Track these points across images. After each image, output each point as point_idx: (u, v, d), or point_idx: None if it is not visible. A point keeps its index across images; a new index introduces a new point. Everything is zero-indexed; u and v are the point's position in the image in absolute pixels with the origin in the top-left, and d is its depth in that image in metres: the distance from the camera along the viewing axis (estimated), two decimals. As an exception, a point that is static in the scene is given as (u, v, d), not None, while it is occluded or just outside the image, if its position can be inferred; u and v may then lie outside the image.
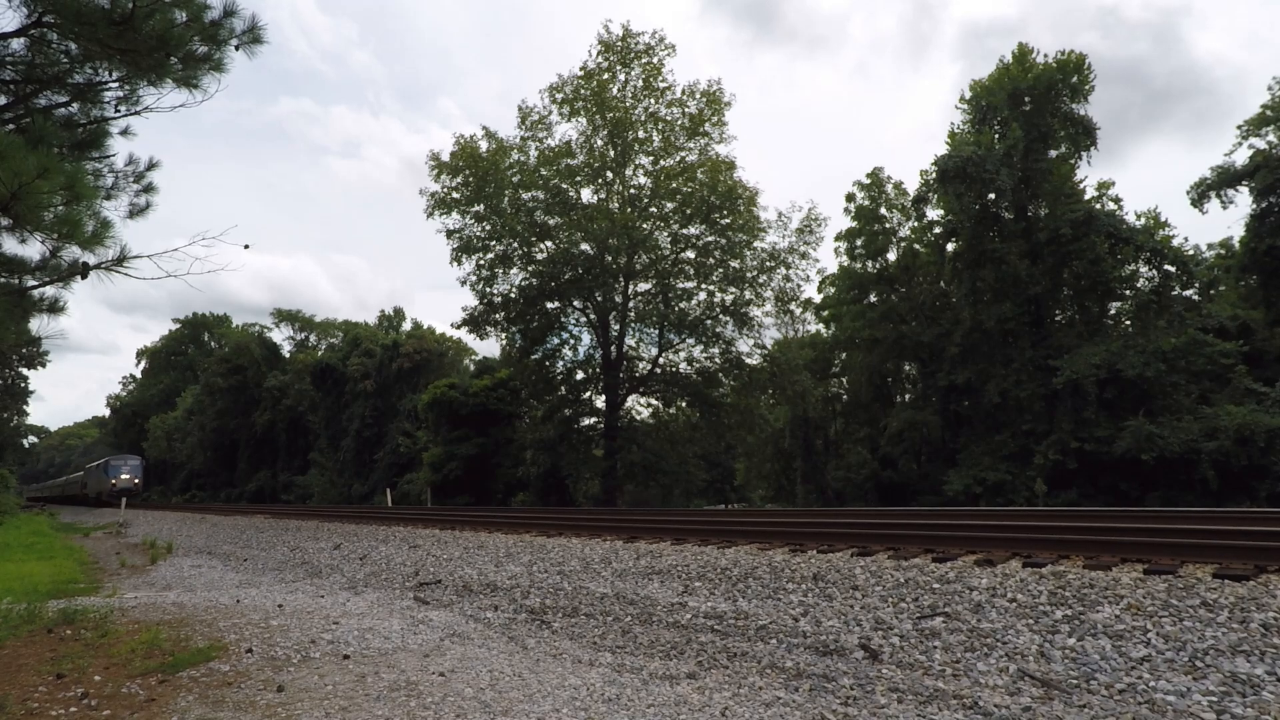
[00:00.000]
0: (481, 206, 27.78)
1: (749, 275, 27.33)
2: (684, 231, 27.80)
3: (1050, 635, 4.19)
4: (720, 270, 27.54)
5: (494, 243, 28.12)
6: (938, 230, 30.02)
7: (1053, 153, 26.52)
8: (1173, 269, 24.08)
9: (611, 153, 27.52)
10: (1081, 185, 26.88)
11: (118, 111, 6.91)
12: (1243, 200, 25.82)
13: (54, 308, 6.49)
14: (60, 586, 9.16)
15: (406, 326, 58.56)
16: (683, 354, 29.24)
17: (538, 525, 11.23)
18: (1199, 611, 4.12)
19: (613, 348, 28.29)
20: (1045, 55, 26.56)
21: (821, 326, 37.10)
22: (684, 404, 29.79)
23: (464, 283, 28.63)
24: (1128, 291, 26.03)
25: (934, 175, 27.20)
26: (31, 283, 6.30)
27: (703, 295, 28.10)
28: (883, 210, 33.46)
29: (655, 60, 27.18)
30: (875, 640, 4.56)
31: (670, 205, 27.60)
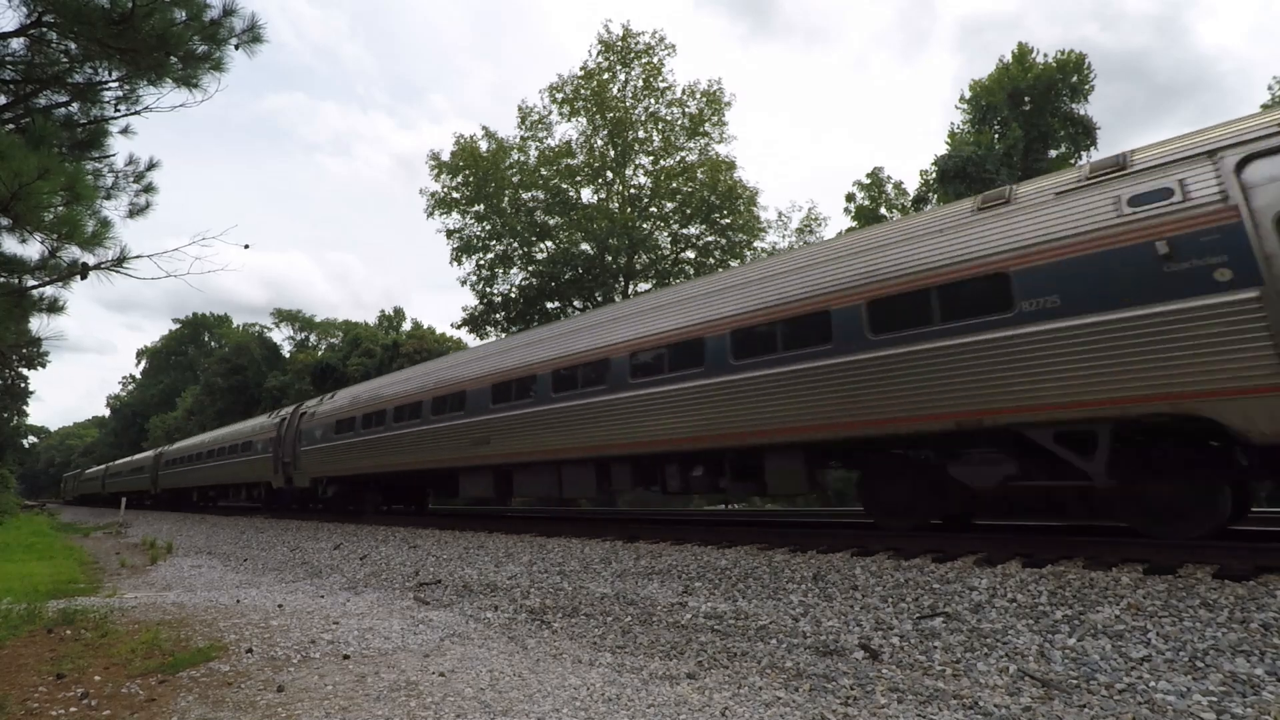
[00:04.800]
0: (482, 206, 27.83)
1: (749, 275, 27.38)
2: (684, 231, 27.82)
3: (1050, 635, 4.19)
4: (721, 270, 27.58)
5: (494, 243, 28.16)
6: (938, 230, 30.01)
7: (1053, 152, 26.55)
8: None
9: (611, 153, 27.55)
10: (1081, 185, 26.89)
11: (118, 111, 6.91)
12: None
13: (53, 308, 6.48)
14: (60, 586, 9.15)
15: (406, 326, 58.60)
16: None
17: (538, 525, 11.23)
18: (1199, 611, 4.12)
19: (613, 347, 28.29)
20: (1045, 55, 26.64)
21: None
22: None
23: (464, 283, 28.70)
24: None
25: (934, 175, 27.23)
26: (31, 283, 6.30)
27: (703, 295, 28.15)
28: (883, 210, 33.48)
29: (655, 60, 27.24)
30: (875, 640, 4.56)
31: (670, 205, 27.63)
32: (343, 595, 7.80)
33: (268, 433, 20.62)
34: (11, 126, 6.17)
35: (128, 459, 44.59)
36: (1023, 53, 27.06)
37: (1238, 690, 3.33)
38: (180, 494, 32.52)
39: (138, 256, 5.49)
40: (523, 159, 28.09)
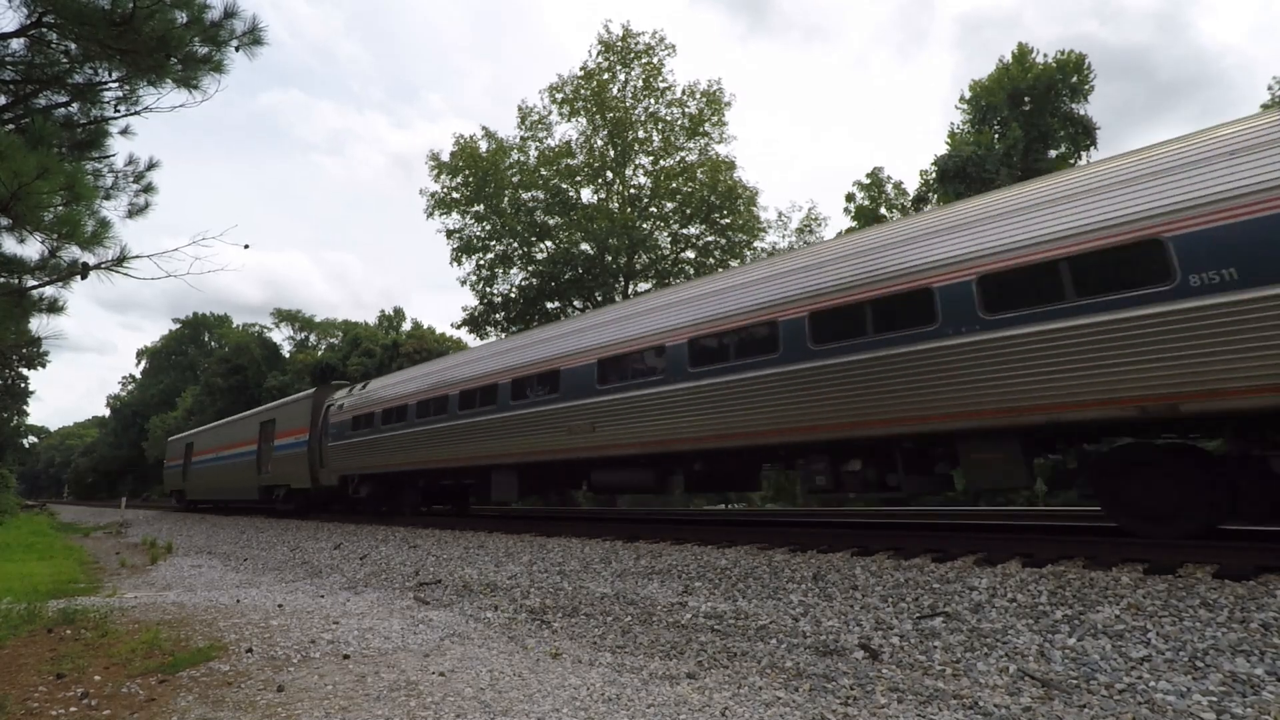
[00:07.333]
0: (482, 206, 27.82)
1: (749, 275, 27.39)
2: (684, 231, 27.81)
3: (1050, 635, 4.19)
4: (721, 270, 27.58)
5: (494, 243, 28.15)
6: (938, 230, 30.01)
7: (1053, 153, 26.55)
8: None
9: (611, 153, 27.53)
10: (1081, 185, 26.92)
11: (118, 111, 6.91)
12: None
13: (53, 307, 6.48)
14: (60, 586, 9.15)
15: (406, 326, 58.61)
16: (683, 353, 29.24)
17: (538, 525, 11.23)
18: (1199, 611, 4.12)
19: (613, 347, 28.28)
20: (1045, 55, 26.67)
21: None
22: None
23: (464, 283, 28.68)
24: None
25: (934, 175, 27.23)
26: (31, 283, 6.29)
27: (703, 295, 28.14)
28: (883, 210, 33.48)
29: (655, 60, 27.22)
30: (875, 640, 4.56)
31: (670, 205, 27.61)
32: (343, 595, 7.80)
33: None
34: (11, 126, 6.17)
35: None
36: (1023, 53, 27.10)
37: (1238, 690, 3.33)
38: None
39: (137, 256, 5.49)
40: (522, 159, 28.07)
